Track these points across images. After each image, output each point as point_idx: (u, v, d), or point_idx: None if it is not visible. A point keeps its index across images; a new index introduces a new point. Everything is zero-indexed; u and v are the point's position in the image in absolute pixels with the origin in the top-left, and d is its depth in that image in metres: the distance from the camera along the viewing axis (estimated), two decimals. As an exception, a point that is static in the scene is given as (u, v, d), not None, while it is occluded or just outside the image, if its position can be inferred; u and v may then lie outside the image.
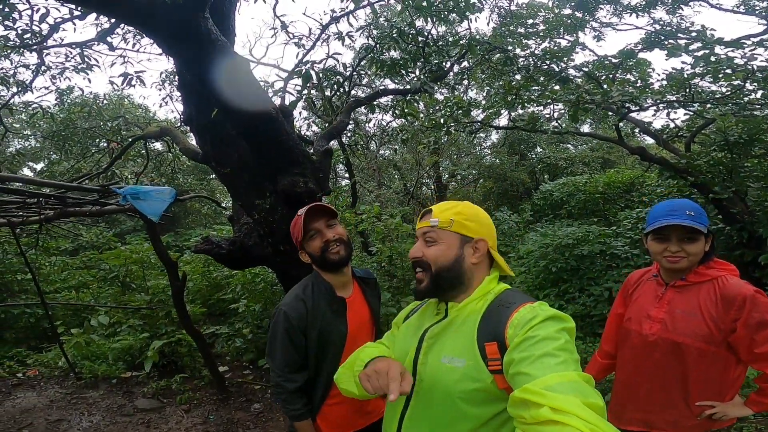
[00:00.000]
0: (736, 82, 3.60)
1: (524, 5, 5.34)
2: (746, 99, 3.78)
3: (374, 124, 10.54)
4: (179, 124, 6.96)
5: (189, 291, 7.03)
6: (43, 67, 4.69)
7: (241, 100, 2.97)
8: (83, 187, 3.80)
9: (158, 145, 9.33)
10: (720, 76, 3.39)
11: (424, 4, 3.95)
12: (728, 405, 1.71)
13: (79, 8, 3.72)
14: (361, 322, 1.90)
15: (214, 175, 12.41)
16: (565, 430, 0.78)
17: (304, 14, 6.24)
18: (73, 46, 4.61)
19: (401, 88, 6.00)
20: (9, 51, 4.52)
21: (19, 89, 5.20)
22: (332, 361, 1.80)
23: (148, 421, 4.15)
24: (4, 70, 5.18)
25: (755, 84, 3.58)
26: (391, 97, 7.93)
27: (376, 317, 1.99)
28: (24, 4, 3.65)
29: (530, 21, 5.43)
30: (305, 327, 1.76)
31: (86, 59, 4.76)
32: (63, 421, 4.20)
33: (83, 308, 6.57)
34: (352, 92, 6.76)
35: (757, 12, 5.48)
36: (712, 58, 3.40)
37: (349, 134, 9.66)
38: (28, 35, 3.82)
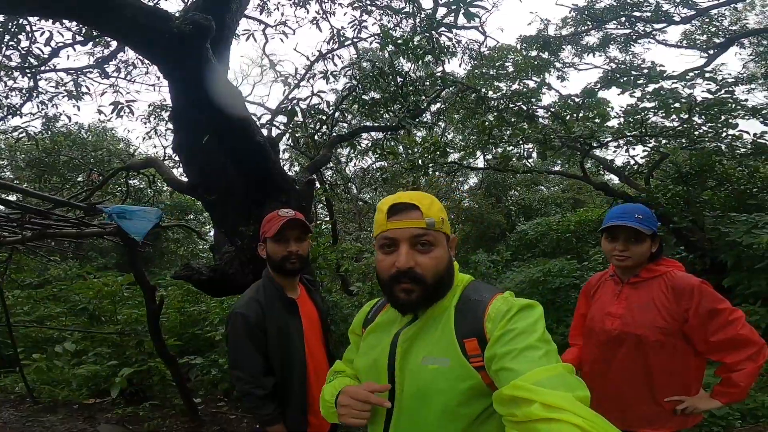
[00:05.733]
0: (685, 116, 3.99)
1: (495, 48, 5.83)
2: (696, 133, 4.17)
3: (354, 165, 10.82)
4: (164, 157, 7.04)
5: (163, 326, 6.79)
6: (35, 92, 4.76)
7: (234, 128, 3.17)
8: (71, 203, 3.78)
9: (137, 182, 9.29)
10: (671, 110, 3.76)
11: (400, 42, 4.30)
12: (696, 399, 1.77)
13: (84, 32, 3.84)
14: (312, 320, 2.02)
15: (192, 215, 12.35)
16: (561, 427, 0.76)
17: (294, 50, 6.64)
18: (71, 71, 4.73)
19: (381, 125, 6.31)
20: (10, 72, 4.57)
21: (8, 113, 5.21)
22: (298, 359, 1.90)
23: (111, 447, 3.88)
24: (-4, 94, 5.19)
25: (702, 117, 3.97)
26: (370, 139, 8.28)
27: (323, 316, 2.12)
28: (30, 26, 3.79)
29: (498, 63, 5.89)
30: (264, 325, 1.85)
31: (79, 86, 4.87)
32: (16, 443, 3.90)
33: (45, 340, 6.24)
34: (335, 130, 7.03)
35: (698, 46, 6.14)
36: (661, 92, 3.79)
37: (329, 174, 9.85)
38: (30, 58, 3.93)
